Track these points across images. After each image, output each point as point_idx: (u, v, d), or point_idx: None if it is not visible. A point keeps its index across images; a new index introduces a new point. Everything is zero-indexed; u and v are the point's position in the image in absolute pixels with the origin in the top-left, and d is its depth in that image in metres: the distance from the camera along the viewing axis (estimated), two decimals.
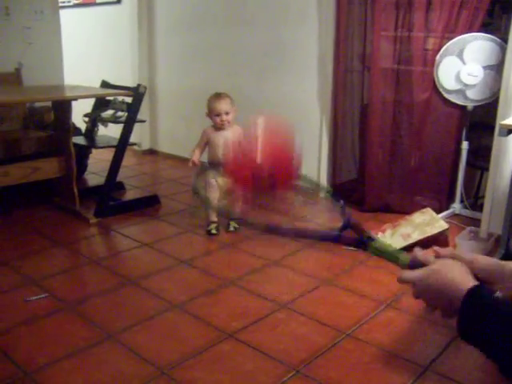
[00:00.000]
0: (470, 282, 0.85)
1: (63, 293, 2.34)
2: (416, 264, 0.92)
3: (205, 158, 3.11)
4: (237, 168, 1.16)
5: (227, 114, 2.91)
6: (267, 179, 1.12)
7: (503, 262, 0.93)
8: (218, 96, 2.94)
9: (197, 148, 3.01)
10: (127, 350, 1.91)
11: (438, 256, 0.93)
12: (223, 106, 2.90)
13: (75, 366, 1.83)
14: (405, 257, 0.95)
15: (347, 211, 1.09)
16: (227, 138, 2.94)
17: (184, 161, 4.78)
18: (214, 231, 3.02)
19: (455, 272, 0.88)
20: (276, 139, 1.17)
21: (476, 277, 0.88)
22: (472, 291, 0.83)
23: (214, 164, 3.02)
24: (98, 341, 1.97)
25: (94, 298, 2.31)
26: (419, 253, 0.94)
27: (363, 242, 1.01)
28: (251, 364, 1.85)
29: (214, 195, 2.95)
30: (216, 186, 2.95)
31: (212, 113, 2.94)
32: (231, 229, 3.07)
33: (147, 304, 2.26)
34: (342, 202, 1.13)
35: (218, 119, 2.91)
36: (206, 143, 3.00)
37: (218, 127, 2.95)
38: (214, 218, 3.06)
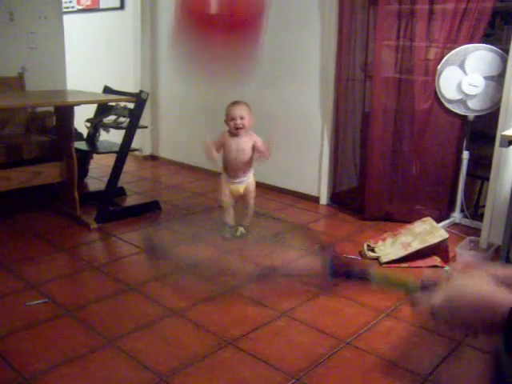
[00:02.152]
0: (510, 294, 0.78)
1: (63, 298, 2.34)
2: (428, 285, 0.85)
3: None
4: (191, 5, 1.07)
5: (242, 118, 2.94)
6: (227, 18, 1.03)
7: None
8: (234, 102, 2.99)
9: (213, 144, 2.99)
10: (126, 357, 1.91)
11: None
12: (238, 111, 2.94)
13: (74, 371, 1.83)
14: (413, 281, 0.89)
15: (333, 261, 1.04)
16: (241, 145, 2.98)
17: (185, 167, 4.82)
18: (227, 235, 3.09)
19: (486, 285, 0.81)
20: None
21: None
22: None
23: (226, 168, 3.07)
24: (98, 347, 1.97)
25: (93, 303, 2.31)
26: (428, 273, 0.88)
27: (363, 277, 0.98)
28: (250, 372, 1.85)
29: (228, 199, 3.07)
30: (228, 191, 3.06)
31: (228, 118, 2.98)
32: (238, 234, 3.09)
33: (147, 310, 2.26)
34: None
35: (232, 123, 2.95)
36: (221, 145, 3.02)
37: (234, 133, 2.98)
38: (229, 221, 3.13)
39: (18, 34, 3.90)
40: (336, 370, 1.87)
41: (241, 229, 3.11)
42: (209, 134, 3.07)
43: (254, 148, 3.01)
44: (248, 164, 3.03)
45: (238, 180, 3.04)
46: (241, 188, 3.06)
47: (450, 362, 1.95)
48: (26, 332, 2.05)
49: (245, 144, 2.98)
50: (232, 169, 3.03)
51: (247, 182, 3.06)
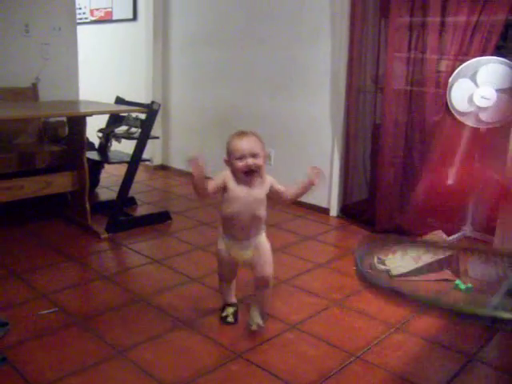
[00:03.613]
0: None
1: (73, 307, 2.35)
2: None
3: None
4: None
5: (255, 156, 1.98)
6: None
7: None
8: (240, 134, 2.03)
9: (212, 183, 2.04)
10: (136, 368, 1.91)
11: None
12: (248, 145, 1.98)
13: (84, 382, 1.83)
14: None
15: None
16: (252, 195, 2.04)
17: None
18: (230, 319, 2.25)
19: None
20: None
21: None
22: None
23: (228, 226, 2.11)
24: (107, 357, 1.97)
25: (103, 313, 2.31)
26: None
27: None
28: None
29: (228, 270, 2.23)
30: (229, 259, 2.17)
31: (233, 156, 2.00)
32: (253, 327, 2.15)
33: (157, 321, 2.26)
34: None
35: (241, 164, 1.98)
36: (222, 188, 2.06)
37: (243, 179, 2.02)
38: (230, 299, 2.32)
39: (33, 45, 3.96)
40: None
41: (256, 319, 2.16)
42: (203, 148, 2.16)
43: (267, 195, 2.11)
44: (261, 220, 2.11)
45: (244, 243, 2.11)
46: (247, 253, 2.12)
47: (461, 378, 1.92)
48: (36, 341, 2.06)
49: (258, 194, 2.06)
50: (237, 227, 2.08)
51: (258, 243, 2.12)
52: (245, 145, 1.98)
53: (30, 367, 1.89)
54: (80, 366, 1.91)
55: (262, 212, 2.09)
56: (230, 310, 2.28)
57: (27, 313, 2.28)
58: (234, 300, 2.32)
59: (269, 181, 2.10)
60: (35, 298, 2.43)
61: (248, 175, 2.00)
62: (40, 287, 2.53)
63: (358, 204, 3.82)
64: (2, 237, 3.18)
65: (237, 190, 2.03)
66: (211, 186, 2.01)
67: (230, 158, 2.02)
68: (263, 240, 2.14)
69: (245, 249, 2.11)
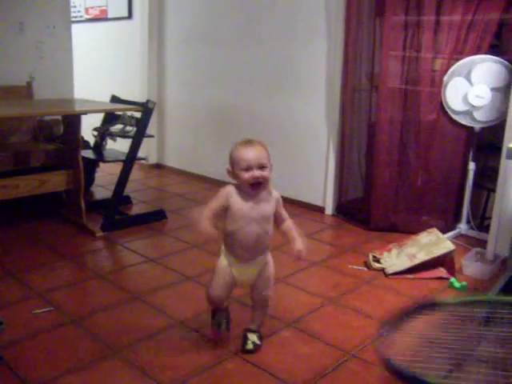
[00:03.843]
0: None
1: (69, 306, 2.34)
2: None
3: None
4: None
5: (262, 168, 1.81)
6: None
7: None
8: (246, 142, 1.85)
9: (207, 210, 1.83)
10: (132, 366, 1.91)
11: None
12: (255, 155, 1.81)
13: (79, 381, 1.82)
14: None
15: None
16: (259, 209, 1.86)
17: (191, 176, 4.82)
18: (223, 326, 2.09)
19: None
20: None
21: None
22: None
23: (232, 247, 1.91)
24: (102, 356, 1.97)
25: (99, 312, 2.31)
26: None
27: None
28: (255, 383, 1.84)
29: (223, 290, 1.99)
30: (229, 279, 1.95)
31: (238, 166, 1.82)
32: (249, 346, 2.01)
33: (152, 320, 2.26)
34: None
35: (247, 175, 1.80)
36: (223, 209, 1.86)
37: (248, 192, 1.85)
38: (221, 325, 2.09)
39: (27, 44, 3.94)
40: (341, 382, 1.86)
41: (253, 337, 2.03)
42: (196, 210, 1.84)
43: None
44: (268, 238, 1.92)
45: (249, 262, 1.93)
46: (253, 272, 1.95)
47: (455, 374, 1.93)
48: (31, 340, 2.06)
49: (266, 208, 1.88)
50: (242, 246, 1.89)
51: (263, 263, 1.96)
52: (251, 155, 1.80)
53: (25, 366, 1.89)
54: (75, 364, 1.90)
55: (270, 229, 1.91)
56: (222, 318, 2.08)
57: (22, 312, 2.27)
58: (222, 326, 2.09)
59: (275, 197, 1.92)
60: (30, 297, 2.42)
61: (254, 188, 1.83)
62: (35, 286, 2.52)
63: (353, 202, 3.83)
64: None
65: (242, 205, 1.85)
66: (214, 208, 1.83)
67: (235, 168, 1.84)
68: (269, 260, 1.97)
69: (249, 269, 1.94)
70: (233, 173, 1.86)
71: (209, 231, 1.77)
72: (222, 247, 1.97)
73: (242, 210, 1.84)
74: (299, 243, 1.91)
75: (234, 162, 1.84)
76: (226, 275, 1.94)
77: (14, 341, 2.04)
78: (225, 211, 1.86)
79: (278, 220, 1.95)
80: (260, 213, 1.86)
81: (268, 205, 1.89)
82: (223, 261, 1.95)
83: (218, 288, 1.97)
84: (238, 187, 1.86)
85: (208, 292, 2.01)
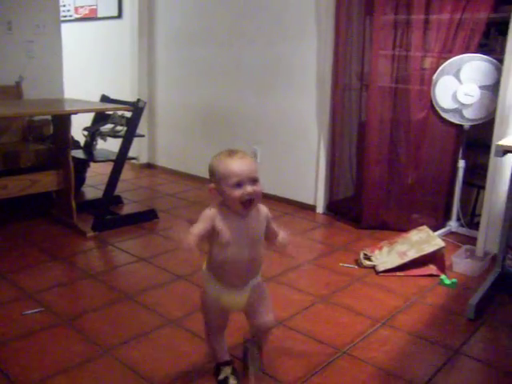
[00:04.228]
0: None
1: (59, 307, 2.33)
2: None
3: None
4: None
5: (254, 182, 1.56)
6: None
7: None
8: (231, 153, 1.59)
9: (195, 230, 1.55)
10: (123, 366, 1.91)
11: None
12: (246, 168, 1.55)
13: (70, 381, 1.82)
14: None
15: None
16: (250, 229, 1.63)
17: (182, 175, 4.82)
18: (232, 381, 1.77)
19: None
20: None
21: None
22: None
23: (221, 276, 1.67)
24: (94, 356, 1.96)
25: (90, 312, 2.30)
26: None
27: None
28: (246, 381, 1.85)
29: (218, 319, 1.76)
30: (219, 307, 1.72)
31: (226, 182, 1.55)
32: (252, 370, 1.83)
33: (143, 319, 2.25)
34: None
35: (238, 193, 1.54)
36: (209, 234, 1.59)
37: (240, 212, 1.58)
38: (224, 355, 1.83)
39: (17, 43, 3.92)
40: (332, 379, 1.87)
41: (258, 364, 1.86)
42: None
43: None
44: (260, 261, 1.71)
45: (239, 290, 1.69)
46: (242, 301, 1.72)
47: (445, 372, 1.95)
48: (21, 341, 2.05)
49: (257, 227, 1.65)
50: (232, 274, 1.66)
51: (254, 286, 1.72)
52: (242, 168, 1.54)
53: (15, 367, 1.88)
54: (66, 365, 1.90)
55: (262, 250, 1.68)
56: (228, 370, 1.79)
57: (12, 313, 2.26)
58: (228, 356, 1.83)
59: (264, 213, 1.67)
60: (20, 297, 2.41)
61: (247, 207, 1.56)
62: (25, 287, 2.51)
63: (344, 201, 3.84)
64: None
65: (230, 229, 1.58)
66: (197, 233, 1.54)
67: (221, 184, 1.56)
68: (259, 281, 1.74)
69: (239, 296, 1.70)
70: (218, 190, 1.58)
71: (192, 248, 1.50)
72: (205, 274, 1.71)
73: (230, 235, 1.58)
74: (283, 233, 1.73)
75: (220, 178, 1.56)
76: (214, 305, 1.71)
77: (4, 341, 2.03)
78: (210, 236, 1.59)
79: (271, 237, 1.72)
80: (251, 235, 1.62)
81: (259, 224, 1.65)
82: (208, 289, 1.71)
83: (210, 317, 1.76)
84: (224, 208, 1.59)
85: (204, 320, 1.79)
